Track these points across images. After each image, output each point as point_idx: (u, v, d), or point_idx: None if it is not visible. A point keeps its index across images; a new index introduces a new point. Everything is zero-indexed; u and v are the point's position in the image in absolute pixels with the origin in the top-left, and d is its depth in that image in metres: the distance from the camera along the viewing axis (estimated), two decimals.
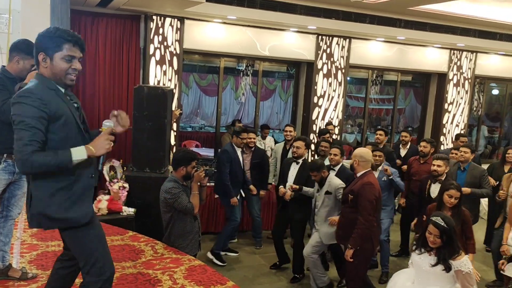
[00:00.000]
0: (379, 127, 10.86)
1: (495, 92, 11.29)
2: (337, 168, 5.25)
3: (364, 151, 4.46)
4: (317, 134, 7.67)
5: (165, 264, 3.74)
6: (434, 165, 5.11)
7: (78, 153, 2.17)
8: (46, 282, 2.65)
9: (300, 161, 5.37)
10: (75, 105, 2.35)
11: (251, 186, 5.97)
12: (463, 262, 3.22)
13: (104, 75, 6.65)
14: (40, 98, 2.12)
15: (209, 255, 5.74)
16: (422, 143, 6.06)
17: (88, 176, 2.33)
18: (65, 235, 2.37)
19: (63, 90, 2.30)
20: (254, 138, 6.05)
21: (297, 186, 5.14)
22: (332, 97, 8.34)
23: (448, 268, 3.23)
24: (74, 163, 2.16)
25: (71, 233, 2.32)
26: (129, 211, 4.92)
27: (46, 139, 2.15)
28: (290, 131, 6.47)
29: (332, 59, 8.20)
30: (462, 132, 9.53)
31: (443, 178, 5.05)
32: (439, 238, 3.25)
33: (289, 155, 5.92)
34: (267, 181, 6.27)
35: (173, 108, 6.46)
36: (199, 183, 3.99)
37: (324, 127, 7.44)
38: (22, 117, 2.08)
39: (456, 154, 5.88)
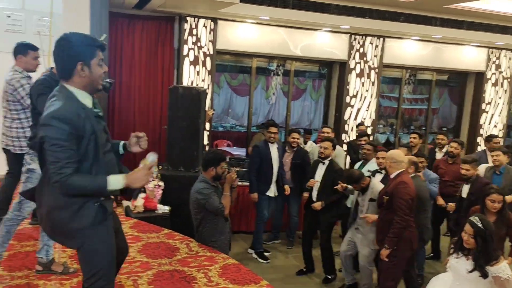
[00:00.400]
0: (412, 128, 10.70)
1: None
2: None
3: (396, 153, 4.42)
4: (355, 135, 7.57)
5: (200, 262, 3.79)
6: (462, 169, 5.01)
7: (115, 183, 2.15)
8: None
9: (327, 161, 5.31)
10: (100, 113, 2.31)
11: (286, 186, 5.95)
12: (501, 268, 3.12)
13: (140, 76, 6.79)
14: (71, 118, 2.08)
15: (253, 254, 5.89)
16: (454, 144, 5.89)
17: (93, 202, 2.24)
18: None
19: (91, 99, 2.27)
20: (297, 138, 6.02)
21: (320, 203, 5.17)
22: (365, 97, 8.25)
23: (484, 275, 3.15)
24: (109, 191, 2.15)
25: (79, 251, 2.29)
26: (164, 209, 5.01)
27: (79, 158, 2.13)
28: (328, 132, 6.44)
29: (365, 59, 8.12)
30: (501, 133, 9.26)
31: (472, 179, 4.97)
32: (473, 238, 3.18)
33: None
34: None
35: (206, 108, 6.53)
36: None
37: (356, 128, 7.36)
38: (55, 140, 2.05)
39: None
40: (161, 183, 5.18)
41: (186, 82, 7.01)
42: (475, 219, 3.24)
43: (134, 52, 6.76)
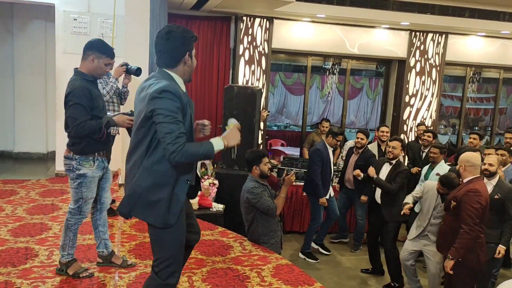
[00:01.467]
0: (476, 128, 10.15)
1: None
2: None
3: (471, 155, 4.06)
4: (414, 136, 7.32)
5: (253, 261, 3.79)
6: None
7: (218, 144, 2.34)
8: None
9: (394, 162, 5.17)
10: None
11: (363, 197, 5.85)
12: None
13: (196, 75, 6.93)
14: (178, 94, 2.26)
15: (301, 255, 5.80)
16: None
17: (184, 181, 2.39)
18: (150, 231, 2.42)
19: (184, 87, 2.45)
20: (362, 139, 5.89)
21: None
22: (425, 96, 7.94)
23: None
24: (215, 152, 2.33)
25: (156, 230, 2.37)
26: (218, 207, 5.07)
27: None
28: (387, 132, 6.27)
29: (426, 56, 7.80)
30: None
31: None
32: None
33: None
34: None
35: (261, 108, 6.55)
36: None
37: (416, 128, 7.09)
38: (168, 112, 2.21)
39: None
40: (216, 182, 5.25)
41: (241, 81, 7.06)
42: None
43: None
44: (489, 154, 4.87)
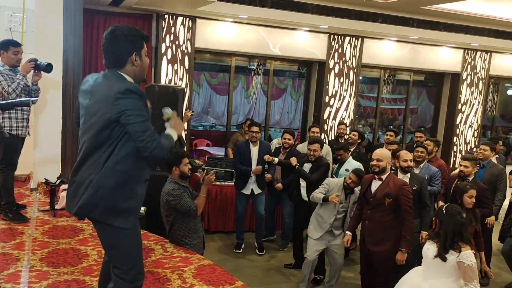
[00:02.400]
0: (390, 127, 10.79)
1: (510, 92, 11.13)
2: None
3: (387, 152, 4.43)
4: (335, 135, 7.67)
5: (174, 263, 3.74)
6: (461, 165, 5.04)
7: (174, 135, 2.45)
8: (98, 278, 2.78)
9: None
10: None
11: (279, 185, 6.01)
12: (466, 255, 3.27)
13: None
14: (141, 92, 2.28)
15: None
16: (427, 142, 6.03)
17: (143, 180, 2.44)
18: (108, 236, 2.38)
19: None
20: (289, 139, 6.07)
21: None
22: (344, 97, 8.30)
23: (442, 258, 3.30)
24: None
25: (115, 234, 2.34)
26: None
27: None
28: (317, 132, 6.50)
29: (344, 59, 8.15)
30: (476, 133, 9.44)
31: (470, 179, 4.96)
32: (438, 222, 3.42)
33: None
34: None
35: (184, 108, 6.49)
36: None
37: (337, 127, 7.43)
38: (137, 111, 2.23)
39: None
40: None
41: (163, 81, 6.93)
42: (444, 205, 3.51)
43: None
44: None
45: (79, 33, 5.37)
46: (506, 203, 6.14)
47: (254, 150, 5.92)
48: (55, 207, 4.76)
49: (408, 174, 4.81)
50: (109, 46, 2.31)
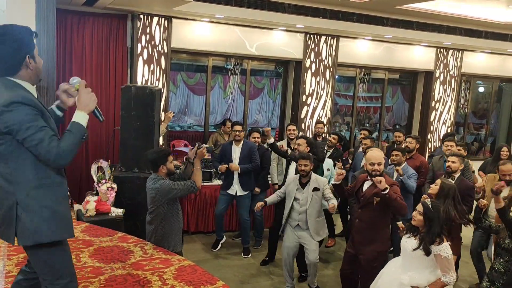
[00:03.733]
0: (366, 125, 10.96)
1: (481, 89, 11.44)
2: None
3: (382, 153, 4.45)
4: (313, 133, 7.73)
5: (154, 264, 3.72)
6: (448, 161, 5.15)
7: (81, 118, 2.21)
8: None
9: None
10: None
11: (256, 189, 6.10)
12: (443, 247, 3.39)
13: (91, 75, 6.59)
14: (29, 101, 2.09)
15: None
16: (409, 139, 6.15)
17: (63, 182, 2.32)
18: (35, 253, 2.26)
19: (35, 91, 2.27)
20: (258, 138, 6.14)
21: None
22: (321, 96, 8.37)
23: (427, 253, 3.40)
24: (86, 126, 2.21)
25: (44, 249, 2.22)
26: (117, 212, 4.88)
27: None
28: (293, 130, 6.53)
29: (320, 58, 8.23)
30: (449, 130, 9.65)
31: (456, 176, 5.06)
32: (421, 215, 3.47)
33: None
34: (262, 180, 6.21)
35: (162, 109, 6.47)
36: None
37: (315, 126, 7.49)
38: (27, 124, 2.05)
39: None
40: (114, 185, 5.05)
41: (140, 81, 6.86)
42: (428, 200, 3.59)
43: (85, 51, 6.55)
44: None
45: (52, 34, 5.27)
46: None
47: (237, 149, 5.93)
48: None
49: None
50: (3, 51, 2.09)
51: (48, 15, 5.06)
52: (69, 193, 2.35)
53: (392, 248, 5.17)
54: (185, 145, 10.33)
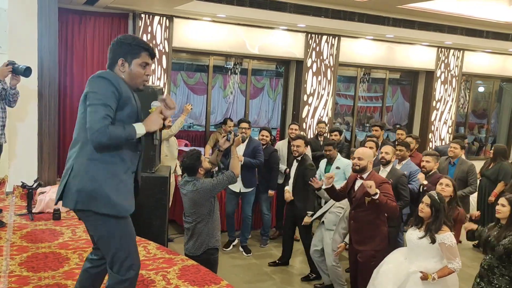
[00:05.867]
0: (367, 125, 10.95)
1: (481, 89, 11.44)
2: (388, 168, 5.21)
3: (370, 151, 4.43)
4: (315, 133, 7.72)
5: (158, 264, 3.71)
6: (423, 160, 5.16)
7: (139, 128, 2.38)
8: (76, 281, 2.72)
9: (299, 159, 5.36)
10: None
11: (270, 191, 6.14)
12: (447, 236, 3.55)
13: (92, 74, 6.56)
14: (116, 82, 2.34)
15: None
16: (409, 139, 6.16)
17: (132, 171, 2.49)
18: (98, 228, 2.40)
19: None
20: (266, 136, 6.16)
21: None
22: (322, 95, 8.36)
23: (433, 240, 3.56)
24: (137, 137, 2.39)
25: (107, 224, 2.35)
26: None
27: (114, 117, 2.33)
28: (295, 129, 6.51)
29: (321, 57, 8.22)
30: (450, 129, 9.66)
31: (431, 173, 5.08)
32: (429, 207, 3.63)
33: None
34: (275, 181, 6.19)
35: (186, 104, 6.53)
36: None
37: (316, 125, 7.47)
38: (100, 94, 2.27)
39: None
40: None
41: None
42: (433, 192, 3.76)
43: (86, 50, 6.54)
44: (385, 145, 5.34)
45: (54, 33, 5.27)
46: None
47: (241, 146, 5.89)
48: (32, 211, 4.65)
49: (388, 168, 4.91)
50: (109, 50, 2.48)
51: (50, 13, 5.06)
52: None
53: None
54: (186, 145, 10.31)
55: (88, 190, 2.30)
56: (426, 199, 3.69)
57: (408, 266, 3.68)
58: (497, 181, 6.12)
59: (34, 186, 4.71)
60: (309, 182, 4.61)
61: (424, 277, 3.50)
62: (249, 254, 5.96)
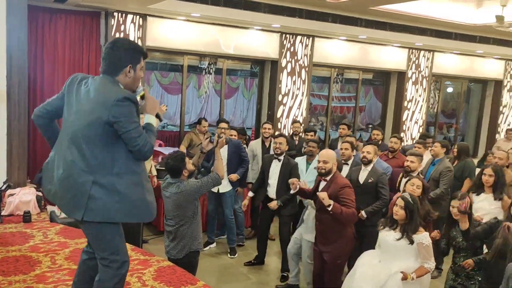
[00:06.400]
0: (346, 121, 11.09)
1: (450, 90, 11.75)
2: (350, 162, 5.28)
3: (334, 153, 4.45)
4: (290, 132, 7.74)
5: (133, 266, 3.65)
6: (407, 160, 5.19)
7: (153, 120, 2.56)
8: (75, 274, 2.81)
9: (282, 157, 5.34)
10: None
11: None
12: (424, 236, 3.63)
13: (64, 73, 6.42)
14: (136, 101, 2.44)
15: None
16: (393, 139, 6.18)
17: (138, 172, 2.58)
18: (95, 228, 2.48)
19: None
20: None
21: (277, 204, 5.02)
22: (296, 95, 8.42)
23: (411, 241, 3.60)
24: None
25: (105, 226, 2.45)
26: None
27: None
28: (269, 128, 6.52)
29: (296, 58, 8.28)
30: (421, 129, 9.87)
31: (415, 175, 5.10)
32: (403, 210, 3.64)
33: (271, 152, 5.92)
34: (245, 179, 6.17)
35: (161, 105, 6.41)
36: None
37: (291, 125, 7.52)
38: (133, 118, 2.38)
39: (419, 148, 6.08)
40: None
41: None
42: (406, 194, 3.79)
43: (57, 48, 6.39)
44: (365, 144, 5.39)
45: (24, 30, 5.13)
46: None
47: (222, 148, 5.86)
48: (2, 213, 4.52)
49: (369, 167, 4.98)
50: (108, 55, 2.47)
51: (20, 10, 4.93)
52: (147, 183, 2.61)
53: None
54: (160, 145, 10.21)
55: (130, 201, 2.45)
56: (399, 201, 3.70)
57: (387, 267, 3.68)
58: (462, 178, 6.09)
59: (3, 188, 4.58)
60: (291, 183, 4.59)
61: (405, 277, 3.54)
62: (233, 256, 5.90)
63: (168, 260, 3.88)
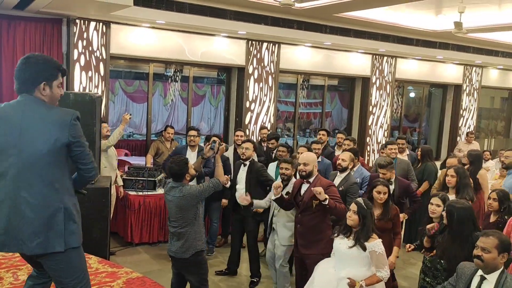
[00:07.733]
0: (307, 131, 11.19)
1: (412, 94, 12.07)
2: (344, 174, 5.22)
3: (314, 155, 4.48)
4: (259, 138, 7.73)
5: (100, 279, 3.55)
6: (380, 173, 5.13)
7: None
8: None
9: (247, 163, 5.32)
10: None
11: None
12: (376, 244, 3.53)
13: None
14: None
15: None
16: (346, 142, 6.31)
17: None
18: (67, 256, 2.34)
19: None
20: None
21: (250, 201, 4.93)
22: (264, 102, 8.45)
23: (364, 249, 3.49)
24: None
25: (62, 255, 2.32)
26: None
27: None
28: (242, 136, 6.51)
29: (262, 64, 8.31)
30: (386, 133, 10.08)
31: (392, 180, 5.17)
32: (356, 214, 3.56)
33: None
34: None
35: (124, 114, 6.39)
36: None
37: (259, 131, 7.51)
38: (84, 138, 2.37)
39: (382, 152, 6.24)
40: None
41: (77, 88, 6.57)
42: (359, 199, 3.70)
43: (16, 57, 6.17)
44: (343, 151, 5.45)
45: None
46: None
47: (192, 155, 5.79)
48: None
49: (343, 175, 4.99)
50: (21, 72, 2.33)
51: None
52: None
53: None
54: (126, 154, 10.01)
55: (76, 227, 2.36)
56: (353, 206, 3.63)
57: (337, 273, 3.61)
58: (422, 181, 6.28)
59: None
60: (270, 185, 4.63)
61: (352, 284, 3.42)
62: (210, 254, 5.94)
63: (173, 259, 3.97)
